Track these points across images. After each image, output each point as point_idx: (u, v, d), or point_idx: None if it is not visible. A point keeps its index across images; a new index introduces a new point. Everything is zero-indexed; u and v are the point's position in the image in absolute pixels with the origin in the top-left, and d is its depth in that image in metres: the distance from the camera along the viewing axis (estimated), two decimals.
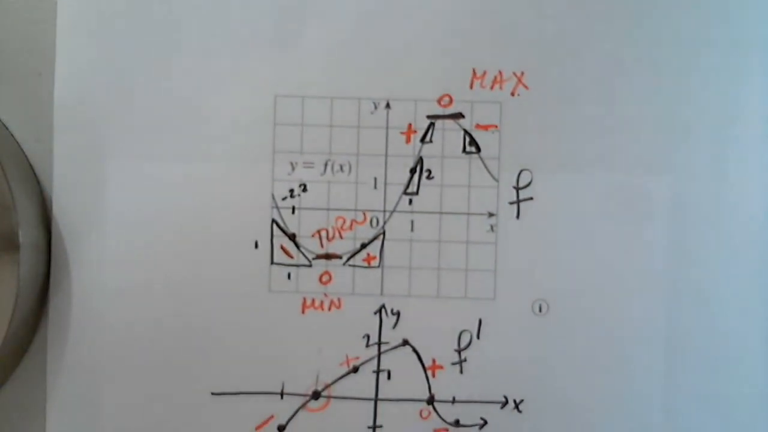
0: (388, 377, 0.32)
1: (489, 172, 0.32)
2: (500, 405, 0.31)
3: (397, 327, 0.32)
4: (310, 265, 0.32)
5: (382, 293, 0.32)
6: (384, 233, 0.32)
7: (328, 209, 0.32)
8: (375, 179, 0.32)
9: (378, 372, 0.32)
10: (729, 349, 0.31)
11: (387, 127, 0.32)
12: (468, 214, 0.32)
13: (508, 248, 0.32)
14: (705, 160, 0.31)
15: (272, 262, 0.32)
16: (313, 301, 0.32)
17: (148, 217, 0.31)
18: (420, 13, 0.31)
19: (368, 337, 0.32)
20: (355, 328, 0.32)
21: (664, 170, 0.31)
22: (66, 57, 0.32)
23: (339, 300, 0.32)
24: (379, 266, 0.32)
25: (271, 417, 0.32)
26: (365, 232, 0.32)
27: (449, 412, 0.32)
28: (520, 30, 0.31)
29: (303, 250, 0.32)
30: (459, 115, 0.32)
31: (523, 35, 0.31)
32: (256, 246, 0.32)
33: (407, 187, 0.32)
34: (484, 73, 0.31)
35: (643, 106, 0.31)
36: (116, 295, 0.31)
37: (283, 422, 0.32)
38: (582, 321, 0.31)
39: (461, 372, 0.32)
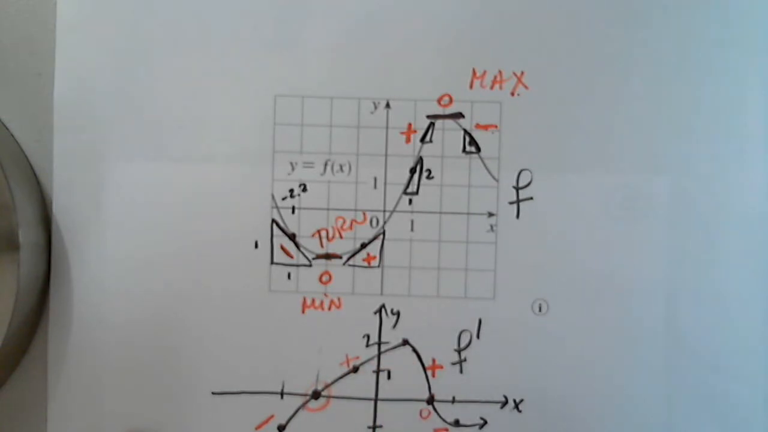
0: (388, 377, 0.32)
1: (489, 172, 0.32)
2: (500, 405, 0.32)
3: (397, 327, 0.32)
4: (310, 265, 0.32)
5: (382, 293, 0.32)
6: (384, 233, 0.32)
7: (328, 209, 0.32)
8: (375, 179, 0.32)
9: (378, 372, 0.32)
10: (729, 349, 0.31)
11: (387, 127, 0.32)
12: (468, 214, 0.32)
13: (508, 248, 0.32)
14: (705, 160, 0.31)
15: (272, 262, 0.32)
16: (313, 300, 0.32)
17: (148, 217, 0.32)
18: (420, 13, 0.31)
19: (368, 336, 0.32)
20: (355, 328, 0.32)
21: (664, 170, 0.31)
22: (66, 57, 0.32)
23: (339, 300, 0.32)
24: (379, 266, 0.32)
25: (271, 417, 0.32)
26: (365, 232, 0.32)
27: (449, 412, 0.32)
28: (520, 30, 0.31)
29: (303, 250, 0.32)
30: (459, 115, 0.32)
31: (523, 35, 0.31)
32: (256, 246, 0.32)
33: (407, 187, 0.32)
34: (484, 72, 0.31)
35: (643, 106, 0.31)
36: (116, 294, 0.31)
37: (283, 422, 0.32)
38: (582, 321, 0.31)
39: (461, 372, 0.32)
